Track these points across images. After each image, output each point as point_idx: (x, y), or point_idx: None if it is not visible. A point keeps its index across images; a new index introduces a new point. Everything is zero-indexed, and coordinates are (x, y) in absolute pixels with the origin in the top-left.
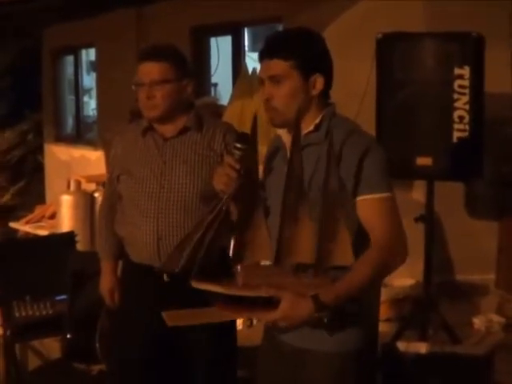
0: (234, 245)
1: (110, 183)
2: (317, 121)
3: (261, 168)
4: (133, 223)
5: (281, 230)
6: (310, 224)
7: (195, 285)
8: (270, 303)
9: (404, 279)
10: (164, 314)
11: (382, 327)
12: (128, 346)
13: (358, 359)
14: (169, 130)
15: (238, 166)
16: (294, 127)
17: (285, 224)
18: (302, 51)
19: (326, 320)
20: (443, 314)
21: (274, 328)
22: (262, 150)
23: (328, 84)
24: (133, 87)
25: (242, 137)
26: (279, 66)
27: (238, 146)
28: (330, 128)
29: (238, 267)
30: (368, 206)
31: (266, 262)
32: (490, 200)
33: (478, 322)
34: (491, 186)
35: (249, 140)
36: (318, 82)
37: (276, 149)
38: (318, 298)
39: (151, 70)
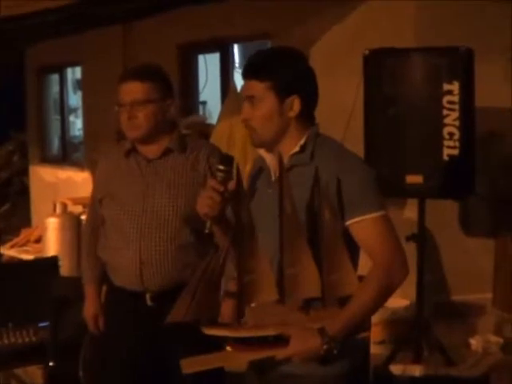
0: (238, 287)
1: (92, 206)
2: (301, 142)
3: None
4: (115, 247)
5: (281, 268)
6: (311, 257)
7: (206, 331)
8: (281, 341)
9: (398, 300)
10: (182, 362)
11: (376, 349)
12: (111, 372)
13: (347, 381)
14: (152, 151)
15: (221, 189)
16: (279, 164)
17: (285, 261)
18: (278, 73)
19: (335, 351)
20: (438, 335)
21: None
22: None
23: (308, 106)
24: (116, 108)
25: (224, 159)
26: (256, 86)
27: (221, 168)
28: (314, 149)
29: (245, 309)
30: (362, 228)
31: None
32: (485, 217)
33: (475, 342)
34: (486, 203)
35: (232, 162)
36: (295, 103)
37: (259, 169)
38: (324, 331)
39: (133, 90)
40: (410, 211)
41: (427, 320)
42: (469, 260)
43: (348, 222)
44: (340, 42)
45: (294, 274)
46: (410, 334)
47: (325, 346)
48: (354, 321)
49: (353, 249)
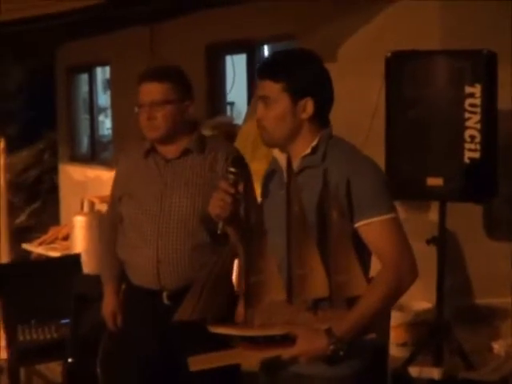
0: (245, 286)
1: (112, 204)
2: (313, 143)
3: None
4: (133, 246)
5: (290, 268)
6: (319, 257)
7: (212, 329)
8: (288, 340)
9: (421, 303)
10: (189, 360)
11: (398, 351)
12: (128, 369)
13: (356, 383)
14: (170, 151)
15: (232, 191)
16: (287, 165)
17: (293, 262)
18: (292, 75)
19: (342, 352)
20: (461, 338)
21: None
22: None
23: (322, 108)
24: (135, 109)
25: (235, 161)
26: (270, 87)
27: (232, 170)
28: (326, 151)
29: (253, 308)
30: (371, 230)
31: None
32: (509, 220)
33: (497, 346)
34: (509, 206)
35: (243, 164)
36: (309, 105)
37: (272, 171)
38: (331, 331)
39: (152, 90)
40: (435, 214)
41: (448, 323)
42: (493, 263)
43: (357, 224)
44: (366, 43)
45: (302, 275)
46: (430, 337)
47: (331, 347)
48: (361, 322)
49: (363, 251)
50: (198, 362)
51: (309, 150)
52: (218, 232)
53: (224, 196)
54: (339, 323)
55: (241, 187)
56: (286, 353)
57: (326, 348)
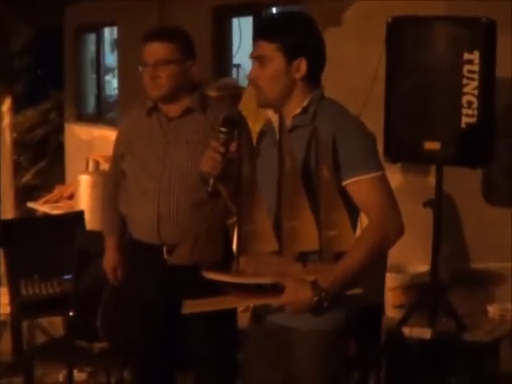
0: (238, 236)
1: (114, 161)
2: (304, 104)
3: None
4: (135, 202)
5: (280, 221)
6: (310, 211)
7: (206, 275)
8: (277, 289)
9: (418, 265)
10: (183, 303)
11: (394, 313)
12: (128, 323)
13: (339, 337)
14: (173, 110)
15: (222, 149)
16: (279, 120)
17: (283, 214)
18: (287, 35)
19: (326, 304)
20: (457, 301)
21: (261, 309)
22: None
23: (314, 68)
24: (139, 68)
25: (227, 120)
26: (265, 47)
27: (223, 129)
28: (316, 111)
29: (244, 258)
30: (359, 187)
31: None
32: (507, 186)
33: (492, 310)
34: (509, 172)
35: (234, 123)
36: (302, 65)
37: (265, 131)
38: (316, 283)
39: (156, 51)
40: (433, 177)
41: (442, 285)
42: (490, 229)
43: (345, 182)
44: (370, 9)
45: (292, 227)
46: (424, 299)
47: (316, 298)
48: (346, 275)
49: (350, 210)
50: (191, 306)
51: (299, 110)
52: (209, 190)
53: (214, 155)
54: (325, 276)
55: (232, 146)
56: (273, 301)
57: (311, 299)
